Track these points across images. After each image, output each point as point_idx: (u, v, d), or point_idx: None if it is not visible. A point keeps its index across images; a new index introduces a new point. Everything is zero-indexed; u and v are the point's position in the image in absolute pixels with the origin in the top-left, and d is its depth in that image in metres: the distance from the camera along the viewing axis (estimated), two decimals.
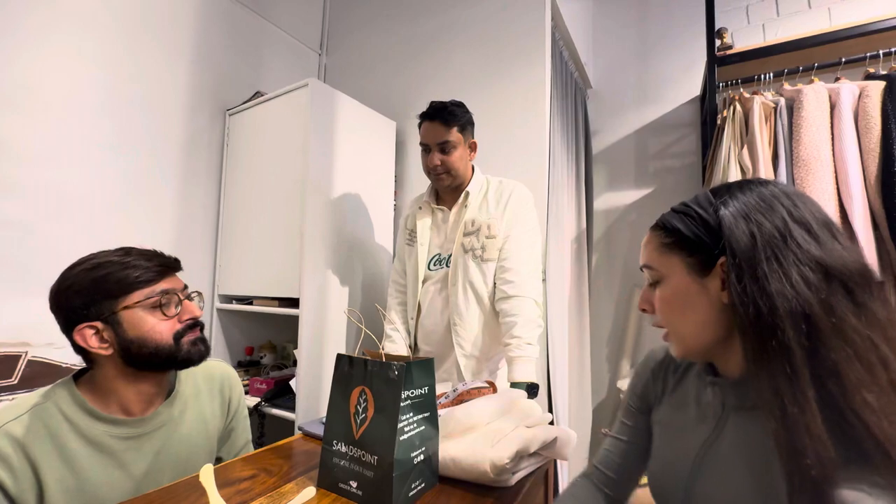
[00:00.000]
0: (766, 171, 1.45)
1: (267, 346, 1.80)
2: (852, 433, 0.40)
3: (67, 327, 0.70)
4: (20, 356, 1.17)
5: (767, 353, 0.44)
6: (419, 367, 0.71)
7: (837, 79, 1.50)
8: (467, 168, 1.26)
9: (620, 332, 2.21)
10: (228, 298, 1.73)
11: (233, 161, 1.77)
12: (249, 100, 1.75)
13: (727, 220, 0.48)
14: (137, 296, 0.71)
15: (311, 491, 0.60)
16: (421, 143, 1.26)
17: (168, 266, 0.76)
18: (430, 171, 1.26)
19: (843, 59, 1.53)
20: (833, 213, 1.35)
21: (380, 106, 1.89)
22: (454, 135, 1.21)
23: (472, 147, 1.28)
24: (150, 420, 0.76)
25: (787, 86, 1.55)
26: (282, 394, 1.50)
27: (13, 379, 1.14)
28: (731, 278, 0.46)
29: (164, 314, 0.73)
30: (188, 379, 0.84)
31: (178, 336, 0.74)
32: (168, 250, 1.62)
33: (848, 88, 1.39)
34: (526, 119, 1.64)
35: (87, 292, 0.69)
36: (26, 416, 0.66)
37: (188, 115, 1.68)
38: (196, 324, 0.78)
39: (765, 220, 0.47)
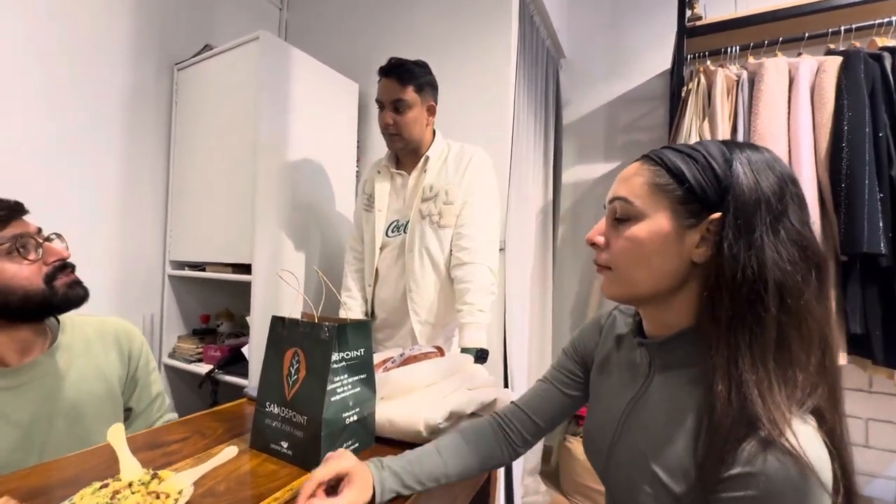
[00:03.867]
0: None
1: (224, 313, 1.75)
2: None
3: None
4: None
5: (741, 318, 0.44)
6: (354, 330, 0.70)
7: (799, 54, 1.51)
8: (423, 131, 1.22)
9: (583, 303, 2.26)
10: (180, 265, 1.67)
11: (182, 119, 1.67)
12: (198, 53, 1.64)
13: (739, 180, 0.46)
14: None
15: (233, 450, 0.59)
16: (376, 100, 1.21)
17: (11, 209, 0.71)
18: (381, 130, 1.22)
19: (807, 35, 1.54)
20: None
21: (342, 66, 1.80)
22: (409, 94, 1.17)
23: (431, 110, 1.23)
24: (29, 369, 0.73)
25: (751, 59, 1.55)
26: (236, 361, 1.47)
27: None
28: (726, 238, 0.45)
29: (25, 258, 0.69)
30: (75, 331, 0.82)
31: (48, 279, 0.71)
32: (113, 212, 1.56)
33: (807, 63, 1.40)
34: (490, 85, 1.60)
35: None
36: None
37: (131, 68, 1.56)
38: (66, 265, 0.75)
39: (769, 190, 0.45)
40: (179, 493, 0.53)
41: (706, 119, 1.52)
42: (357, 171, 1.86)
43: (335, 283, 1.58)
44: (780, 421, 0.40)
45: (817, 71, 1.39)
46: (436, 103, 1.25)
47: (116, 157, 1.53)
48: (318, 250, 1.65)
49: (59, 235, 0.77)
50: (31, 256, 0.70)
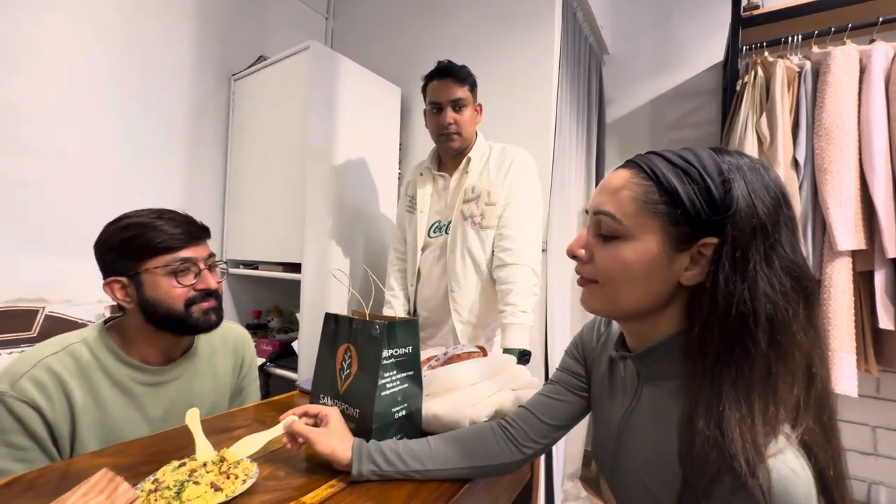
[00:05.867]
0: (784, 141, 1.38)
1: (274, 310, 1.85)
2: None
3: (103, 276, 0.76)
4: (38, 311, 1.24)
5: (729, 353, 0.42)
6: (403, 327, 0.72)
7: (873, 40, 1.39)
8: (473, 131, 1.24)
9: None
10: (236, 263, 1.78)
11: (238, 127, 1.78)
12: (253, 64, 1.74)
13: (739, 205, 0.42)
14: (158, 261, 0.75)
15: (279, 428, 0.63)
16: (432, 103, 1.22)
17: (193, 235, 0.79)
18: (441, 131, 1.21)
19: (881, 19, 1.42)
20: (853, 185, 1.28)
21: (385, 71, 1.85)
22: (466, 93, 1.20)
23: (479, 110, 1.27)
24: (168, 371, 0.81)
25: (816, 48, 1.45)
26: (286, 355, 1.55)
27: (33, 331, 1.22)
28: (722, 270, 0.42)
29: (178, 282, 0.77)
30: (206, 338, 0.89)
31: (188, 303, 0.78)
32: None
33: (881, 50, 1.30)
34: (532, 85, 1.59)
35: (116, 250, 0.74)
36: (63, 352, 0.73)
37: (193, 80, 1.68)
38: (210, 293, 0.81)
39: (764, 215, 0.42)
40: (247, 474, 0.58)
41: (764, 114, 1.44)
42: (399, 174, 1.90)
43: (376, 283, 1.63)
44: (756, 460, 0.38)
45: (893, 58, 1.28)
46: (480, 103, 1.27)
47: (180, 163, 1.66)
48: (363, 250, 1.70)
49: (225, 263, 0.86)
50: (186, 281, 0.77)
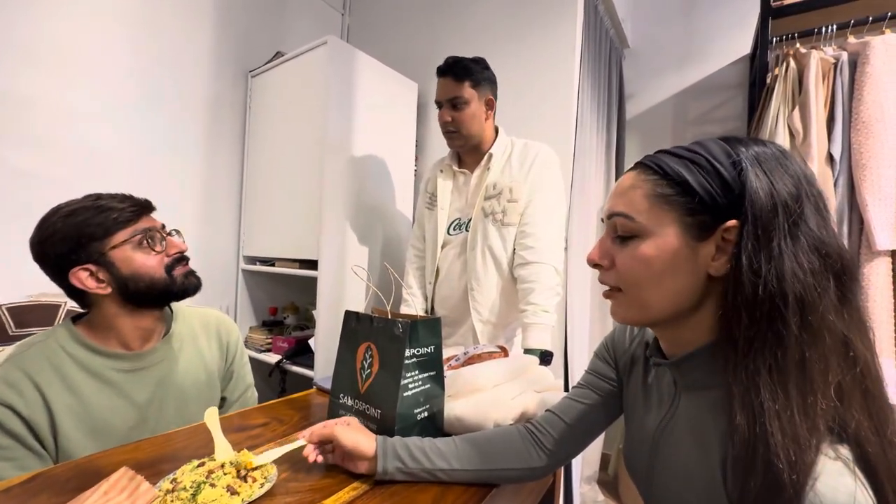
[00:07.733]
0: (818, 136, 1.32)
1: (290, 307, 1.85)
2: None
3: (58, 273, 0.72)
4: (60, 306, 1.25)
5: (761, 339, 0.40)
6: (425, 326, 0.70)
7: None
8: (483, 128, 1.21)
9: None
10: (252, 259, 1.78)
11: (255, 123, 1.78)
12: (270, 60, 1.73)
13: (753, 184, 0.41)
14: (121, 235, 0.73)
15: (301, 441, 0.61)
16: (435, 101, 1.22)
17: (142, 206, 0.77)
18: (441, 129, 1.22)
19: None
20: (894, 181, 1.22)
21: (402, 66, 1.83)
22: (466, 91, 1.16)
23: (489, 104, 1.21)
24: (149, 355, 0.79)
25: (852, 39, 1.39)
26: (302, 352, 1.55)
27: (55, 326, 1.23)
28: (745, 250, 0.41)
29: (152, 250, 0.76)
30: (184, 322, 0.88)
31: (168, 269, 0.77)
32: (195, 210, 1.68)
33: None
34: (553, 79, 1.55)
35: (71, 238, 0.70)
36: (30, 351, 0.71)
37: (211, 77, 1.68)
38: (183, 257, 0.81)
39: (786, 192, 0.41)
40: (265, 477, 0.56)
41: (796, 108, 1.38)
42: (415, 170, 1.88)
43: (391, 279, 1.61)
44: (798, 458, 0.36)
45: None
46: (495, 97, 1.23)
47: (199, 161, 1.66)
48: (380, 247, 1.69)
49: (178, 231, 0.84)
50: (157, 248, 0.76)
